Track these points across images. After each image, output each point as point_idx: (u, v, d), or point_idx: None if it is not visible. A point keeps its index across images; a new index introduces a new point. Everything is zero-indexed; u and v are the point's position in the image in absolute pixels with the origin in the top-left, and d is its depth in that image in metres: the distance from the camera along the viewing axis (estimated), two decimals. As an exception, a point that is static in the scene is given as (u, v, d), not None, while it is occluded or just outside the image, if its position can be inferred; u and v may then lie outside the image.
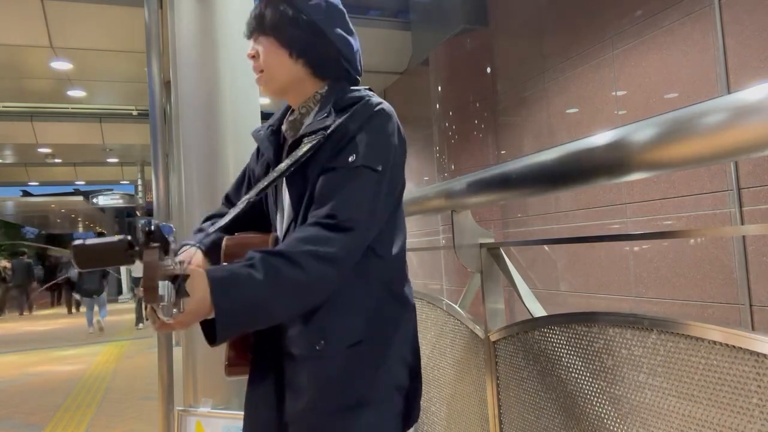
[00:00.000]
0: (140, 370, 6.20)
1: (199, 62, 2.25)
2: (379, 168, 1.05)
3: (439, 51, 6.92)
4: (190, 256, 1.15)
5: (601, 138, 1.16)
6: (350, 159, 1.04)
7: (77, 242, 0.80)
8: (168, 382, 2.29)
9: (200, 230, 1.24)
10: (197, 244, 1.18)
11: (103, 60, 7.57)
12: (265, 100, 6.63)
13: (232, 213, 1.11)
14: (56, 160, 15.81)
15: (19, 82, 8.52)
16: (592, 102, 5.03)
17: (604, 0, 4.85)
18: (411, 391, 1.16)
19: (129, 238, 0.79)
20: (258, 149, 1.30)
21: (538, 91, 5.75)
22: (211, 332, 0.91)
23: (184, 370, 2.27)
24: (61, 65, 7.66)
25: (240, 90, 2.27)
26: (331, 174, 1.05)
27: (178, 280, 0.83)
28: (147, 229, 0.78)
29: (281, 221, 1.20)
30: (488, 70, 6.53)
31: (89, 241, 0.80)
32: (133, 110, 10.96)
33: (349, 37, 1.18)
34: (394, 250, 1.16)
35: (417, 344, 1.21)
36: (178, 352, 2.35)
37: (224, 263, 1.09)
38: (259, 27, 1.16)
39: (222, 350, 1.02)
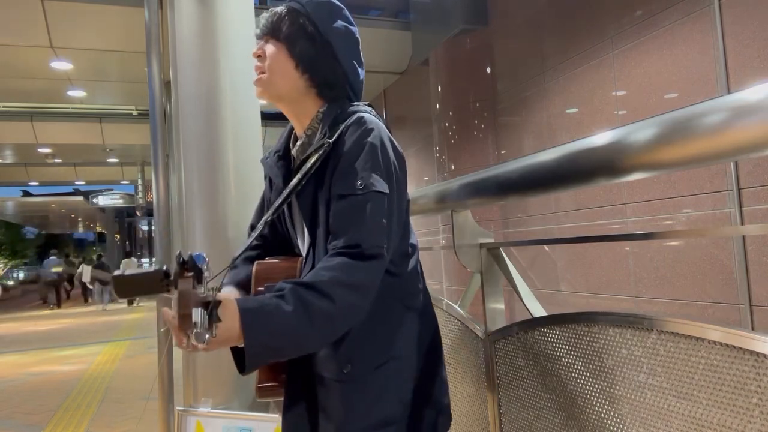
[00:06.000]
0: (140, 370, 6.19)
1: (199, 62, 2.24)
2: (387, 190, 1.05)
3: (439, 51, 6.92)
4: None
5: (601, 138, 1.16)
6: (358, 184, 1.03)
7: (117, 273, 0.85)
8: (168, 382, 2.29)
9: (234, 267, 1.24)
10: (231, 284, 1.19)
11: (103, 60, 7.57)
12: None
13: (252, 236, 1.16)
14: (56, 160, 15.81)
15: (19, 82, 8.51)
16: (592, 102, 5.03)
17: (604, 0, 4.85)
18: (440, 403, 1.17)
19: (165, 268, 0.84)
20: (269, 177, 1.30)
21: (538, 91, 5.74)
22: (241, 360, 0.94)
23: (184, 370, 2.27)
24: (61, 65, 7.65)
25: (240, 90, 2.26)
26: (343, 202, 1.04)
27: (210, 306, 0.85)
28: (181, 259, 0.82)
29: (303, 245, 1.20)
30: (488, 70, 6.53)
31: (128, 272, 0.86)
32: (133, 110, 10.95)
33: (359, 68, 1.19)
34: (408, 266, 1.16)
35: (442, 355, 1.22)
36: (178, 352, 2.34)
37: (255, 287, 1.12)
38: (274, 32, 1.14)
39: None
